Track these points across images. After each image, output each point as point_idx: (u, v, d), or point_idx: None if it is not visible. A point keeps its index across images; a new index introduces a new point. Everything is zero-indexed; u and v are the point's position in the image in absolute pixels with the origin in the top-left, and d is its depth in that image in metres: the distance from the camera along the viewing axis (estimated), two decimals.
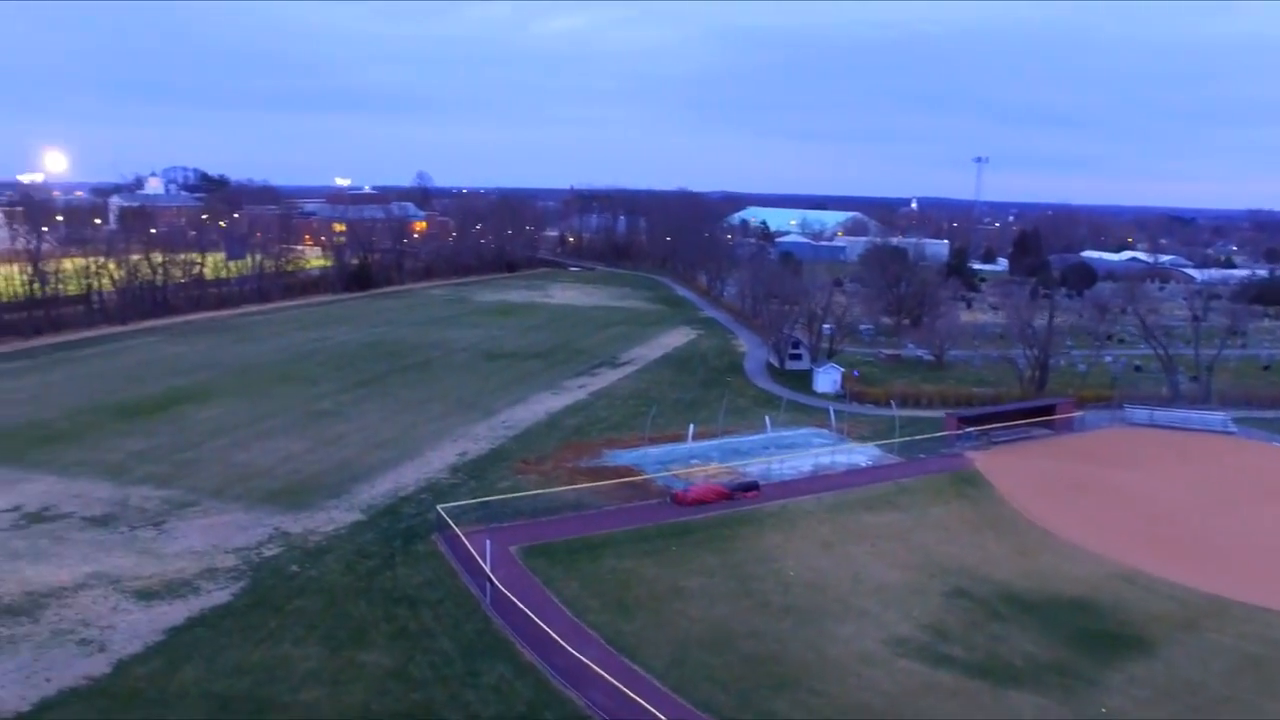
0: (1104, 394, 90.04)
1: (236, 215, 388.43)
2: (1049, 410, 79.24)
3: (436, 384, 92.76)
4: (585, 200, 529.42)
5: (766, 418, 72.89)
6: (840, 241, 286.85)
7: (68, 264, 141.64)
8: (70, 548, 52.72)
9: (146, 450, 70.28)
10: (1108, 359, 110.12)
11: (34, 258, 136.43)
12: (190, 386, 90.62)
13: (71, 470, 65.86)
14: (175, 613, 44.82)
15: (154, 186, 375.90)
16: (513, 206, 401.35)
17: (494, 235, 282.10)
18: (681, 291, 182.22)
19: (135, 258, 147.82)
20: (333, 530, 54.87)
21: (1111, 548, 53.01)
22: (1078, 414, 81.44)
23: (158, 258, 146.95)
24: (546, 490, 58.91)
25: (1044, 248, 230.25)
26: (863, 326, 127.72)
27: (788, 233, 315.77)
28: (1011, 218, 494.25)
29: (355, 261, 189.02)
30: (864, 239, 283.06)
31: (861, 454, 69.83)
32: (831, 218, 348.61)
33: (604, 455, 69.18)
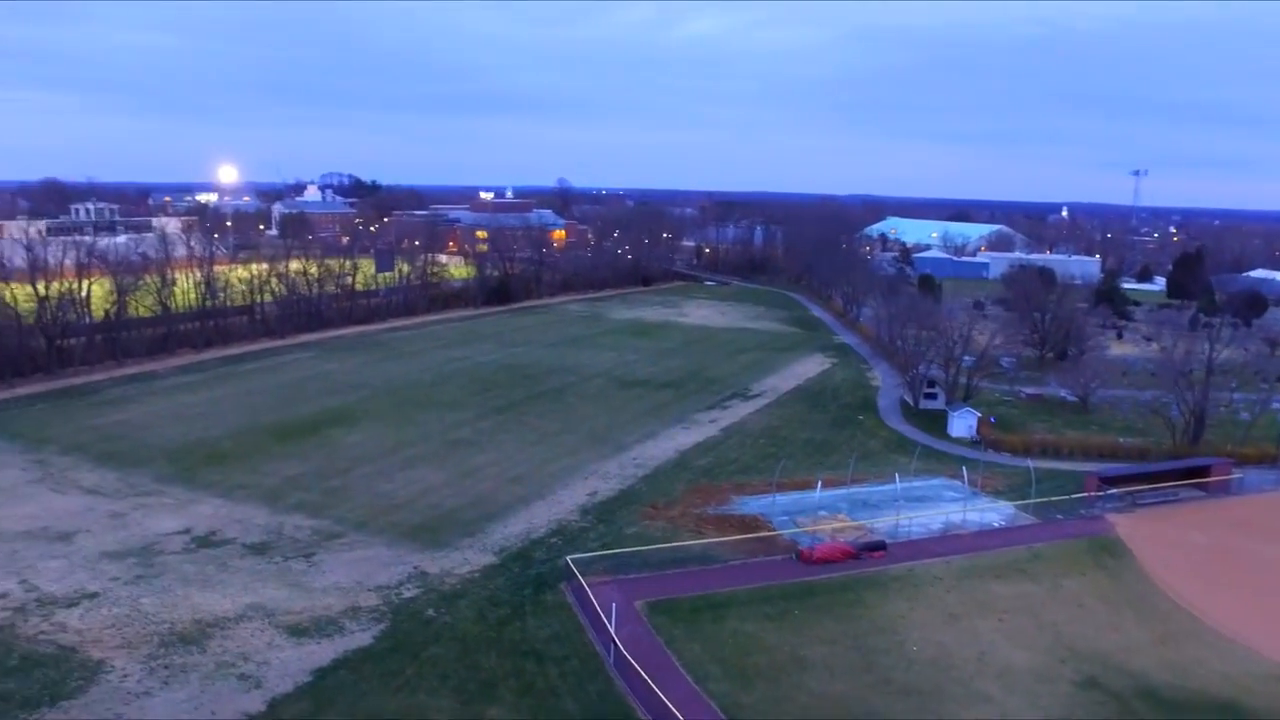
0: (1269, 451, 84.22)
1: (387, 220, 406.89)
2: (1202, 471, 74.93)
3: (570, 414, 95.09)
4: (723, 208, 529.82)
5: (896, 475, 71.53)
6: (983, 257, 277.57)
7: (234, 277, 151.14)
8: (232, 575, 56.95)
9: (299, 476, 74.93)
10: (1276, 406, 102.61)
11: (207, 268, 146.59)
12: (340, 408, 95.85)
13: (235, 494, 70.95)
14: (322, 653, 47.88)
15: (312, 194, 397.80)
16: (650, 215, 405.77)
17: (631, 245, 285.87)
18: (816, 311, 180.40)
19: (294, 267, 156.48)
20: (467, 573, 57.35)
21: (1270, 641, 49.91)
22: (1236, 475, 76.71)
23: (314, 271, 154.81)
24: (672, 545, 59.75)
25: (1207, 267, 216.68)
26: (1003, 360, 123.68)
27: (928, 246, 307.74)
28: (1173, 228, 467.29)
29: (495, 274, 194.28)
30: (1008, 255, 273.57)
31: (994, 512, 68.03)
32: (974, 230, 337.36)
33: (732, 501, 69.72)
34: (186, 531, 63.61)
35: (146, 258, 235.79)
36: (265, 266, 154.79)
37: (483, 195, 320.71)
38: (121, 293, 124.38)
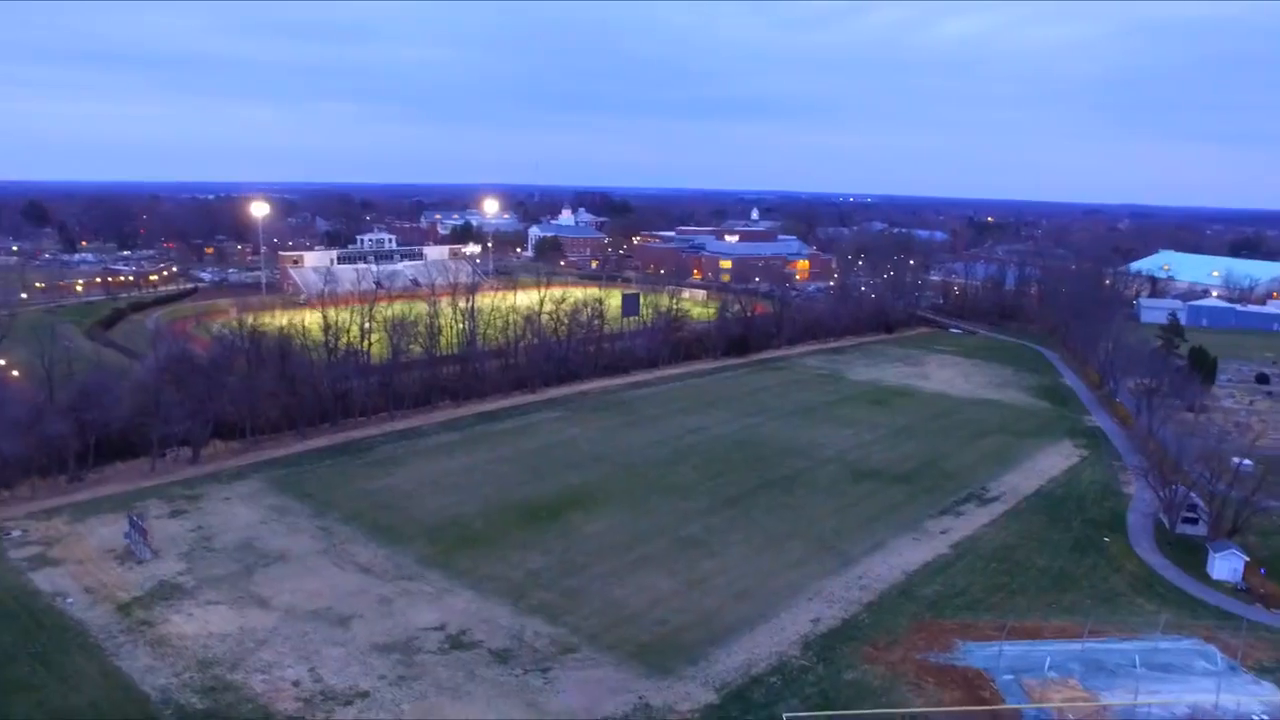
0: None
1: (636, 240, 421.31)
2: None
3: (800, 512, 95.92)
4: (976, 231, 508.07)
5: (1137, 658, 67.13)
6: (1274, 306, 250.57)
7: (492, 328, 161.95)
8: (478, 686, 62.74)
9: (541, 570, 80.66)
10: None
11: (469, 317, 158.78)
12: (580, 487, 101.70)
13: (484, 586, 77.61)
14: None
15: (565, 217, 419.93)
16: (897, 242, 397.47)
17: (875, 275, 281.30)
18: (1068, 378, 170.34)
19: (545, 320, 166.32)
20: (688, 710, 60.06)
21: None
22: None
23: (564, 321, 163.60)
24: (889, 711, 59.69)
25: None
26: None
27: (1206, 290, 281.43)
28: None
29: (736, 314, 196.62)
30: None
31: (1256, 700, 62.58)
32: (1265, 271, 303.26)
33: (956, 648, 68.49)
34: (442, 628, 70.45)
35: (417, 285, 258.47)
36: (520, 313, 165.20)
37: (729, 237, 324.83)
38: (398, 353, 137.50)
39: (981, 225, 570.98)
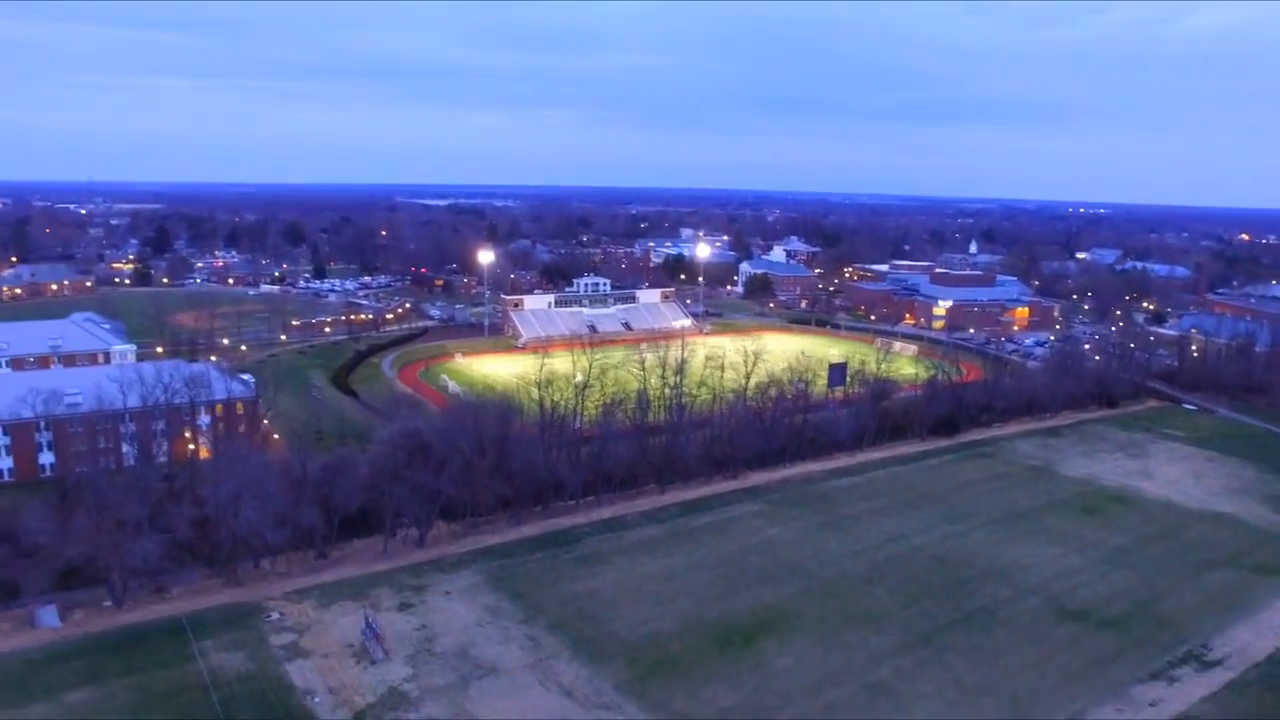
0: None
1: (848, 272, 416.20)
2: None
3: (996, 658, 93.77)
4: (1225, 265, 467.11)
5: None
6: None
7: (700, 389, 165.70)
8: None
9: (731, 711, 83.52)
10: None
11: (678, 376, 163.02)
12: (774, 606, 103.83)
13: None
14: None
15: (776, 254, 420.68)
16: (1129, 281, 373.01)
17: (1098, 333, 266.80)
18: None
19: (749, 387, 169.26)
20: None
21: None
22: None
23: (770, 401, 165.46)
24: None
25: None
26: None
27: None
28: None
29: (946, 379, 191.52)
30: None
31: None
32: None
33: None
34: None
35: (628, 328, 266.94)
36: (726, 391, 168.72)
37: (942, 303, 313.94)
38: (608, 428, 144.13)
39: (1231, 256, 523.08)
